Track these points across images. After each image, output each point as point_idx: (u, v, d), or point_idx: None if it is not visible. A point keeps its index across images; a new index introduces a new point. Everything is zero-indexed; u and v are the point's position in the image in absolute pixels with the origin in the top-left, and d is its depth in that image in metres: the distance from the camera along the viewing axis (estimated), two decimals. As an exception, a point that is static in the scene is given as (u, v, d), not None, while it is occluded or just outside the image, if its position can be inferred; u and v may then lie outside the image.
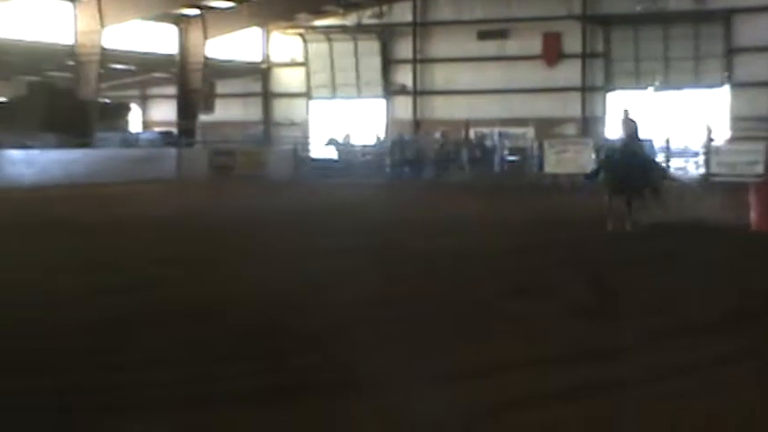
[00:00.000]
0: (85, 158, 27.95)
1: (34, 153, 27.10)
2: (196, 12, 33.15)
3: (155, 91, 39.92)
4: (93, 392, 5.24)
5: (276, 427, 4.65)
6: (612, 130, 27.58)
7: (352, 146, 34.20)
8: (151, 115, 40.31)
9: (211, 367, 5.74)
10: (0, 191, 22.62)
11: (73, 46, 30.03)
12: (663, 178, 15.92)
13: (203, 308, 7.72)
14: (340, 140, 34.02)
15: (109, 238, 13.04)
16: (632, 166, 14.52)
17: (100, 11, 29.32)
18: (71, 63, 30.91)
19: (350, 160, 32.68)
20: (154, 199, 22.31)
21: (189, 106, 33.80)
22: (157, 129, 37.20)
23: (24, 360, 5.92)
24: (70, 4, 29.89)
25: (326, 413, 4.83)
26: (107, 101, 33.85)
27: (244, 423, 4.67)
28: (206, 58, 33.73)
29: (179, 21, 33.48)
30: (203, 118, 34.97)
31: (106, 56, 30.44)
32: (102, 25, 29.59)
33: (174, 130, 34.63)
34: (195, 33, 33.40)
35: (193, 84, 33.54)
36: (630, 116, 15.56)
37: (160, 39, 34.06)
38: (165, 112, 38.15)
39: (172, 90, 36.11)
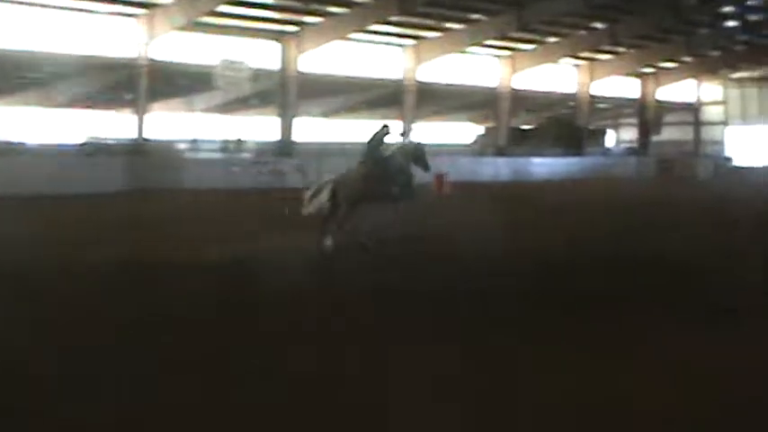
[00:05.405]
0: (578, 163, 41.67)
1: (548, 161, 40.44)
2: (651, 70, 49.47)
3: (624, 120, 57.03)
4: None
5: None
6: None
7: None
8: (621, 136, 57.17)
9: None
10: (524, 184, 34.00)
11: (574, 95, 46.84)
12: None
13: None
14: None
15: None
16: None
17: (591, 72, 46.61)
18: (571, 104, 48.04)
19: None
20: (618, 187, 32.84)
21: (645, 131, 50.25)
22: (624, 145, 53.60)
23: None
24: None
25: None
26: (591, 127, 48.49)
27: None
28: (658, 102, 50.29)
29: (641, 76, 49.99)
30: (654, 138, 50.52)
31: (593, 100, 47.31)
32: (592, 80, 46.61)
33: (635, 146, 50.50)
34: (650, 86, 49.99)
35: (648, 116, 50.16)
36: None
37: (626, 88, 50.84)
38: (630, 134, 54.95)
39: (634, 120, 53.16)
